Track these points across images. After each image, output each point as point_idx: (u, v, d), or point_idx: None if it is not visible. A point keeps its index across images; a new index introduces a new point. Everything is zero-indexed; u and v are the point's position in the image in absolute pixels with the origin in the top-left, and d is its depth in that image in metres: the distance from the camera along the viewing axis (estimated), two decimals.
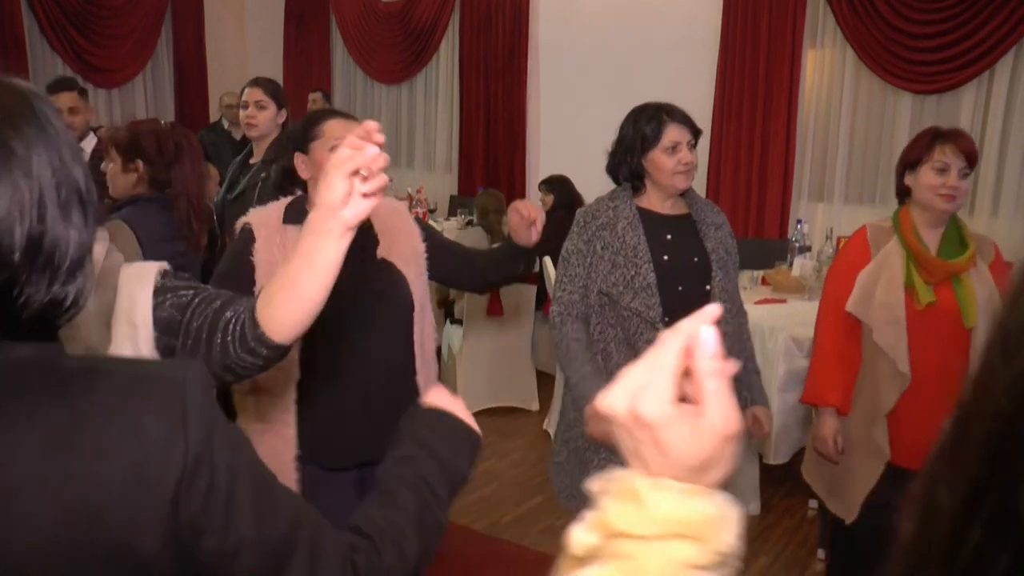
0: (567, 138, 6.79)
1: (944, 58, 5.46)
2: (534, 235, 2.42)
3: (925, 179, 2.48)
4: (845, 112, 5.95)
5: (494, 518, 3.90)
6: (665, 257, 2.48)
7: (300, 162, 2.30)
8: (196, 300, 1.38)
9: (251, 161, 3.67)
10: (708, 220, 2.59)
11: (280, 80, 8.66)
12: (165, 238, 2.57)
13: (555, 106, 7.07)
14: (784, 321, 3.98)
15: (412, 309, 2.34)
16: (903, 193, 2.58)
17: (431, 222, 6.21)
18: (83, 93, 4.33)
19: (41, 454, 0.82)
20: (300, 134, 2.32)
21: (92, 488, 0.82)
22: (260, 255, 2.18)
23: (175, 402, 0.87)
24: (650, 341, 2.45)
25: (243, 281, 2.12)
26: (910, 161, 2.52)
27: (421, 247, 2.40)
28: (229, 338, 1.31)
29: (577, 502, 2.61)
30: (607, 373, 2.47)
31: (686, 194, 2.60)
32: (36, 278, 0.84)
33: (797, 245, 5.00)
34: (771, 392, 3.91)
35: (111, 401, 0.86)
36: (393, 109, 8.30)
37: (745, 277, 4.69)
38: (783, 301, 4.41)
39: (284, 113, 3.66)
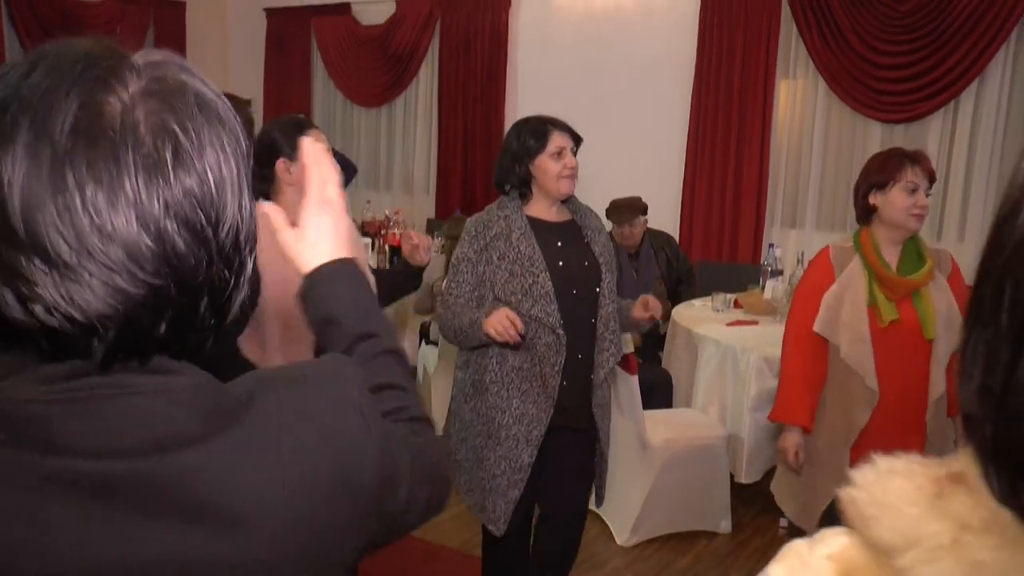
0: None
1: (911, 88, 5.60)
2: (426, 256, 2.68)
3: (897, 199, 2.57)
4: (817, 140, 6.07)
5: (469, 535, 3.92)
6: (560, 263, 2.63)
7: (284, 167, 2.35)
8: None
9: None
10: (591, 225, 2.75)
11: (261, 102, 8.74)
12: None
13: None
14: (756, 342, 4.06)
15: None
16: (868, 212, 2.66)
17: None
18: None
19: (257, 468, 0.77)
20: (288, 141, 2.37)
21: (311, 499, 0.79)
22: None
23: (349, 400, 0.84)
24: (548, 344, 2.61)
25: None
26: (879, 182, 2.61)
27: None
28: None
29: (476, 496, 2.72)
30: (503, 374, 2.62)
31: (568, 201, 2.75)
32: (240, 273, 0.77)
33: (769, 269, 5.10)
34: (743, 412, 3.98)
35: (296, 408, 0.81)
36: (373, 132, 8.36)
37: (719, 300, 4.77)
38: (755, 323, 4.49)
39: None
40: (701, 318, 4.54)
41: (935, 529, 0.52)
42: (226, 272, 0.74)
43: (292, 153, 2.31)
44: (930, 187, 2.60)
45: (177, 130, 0.70)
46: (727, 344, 4.10)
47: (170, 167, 0.69)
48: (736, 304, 4.85)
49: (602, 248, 2.72)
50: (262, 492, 0.75)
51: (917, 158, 2.62)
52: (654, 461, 3.78)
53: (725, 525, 4.03)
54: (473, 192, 7.61)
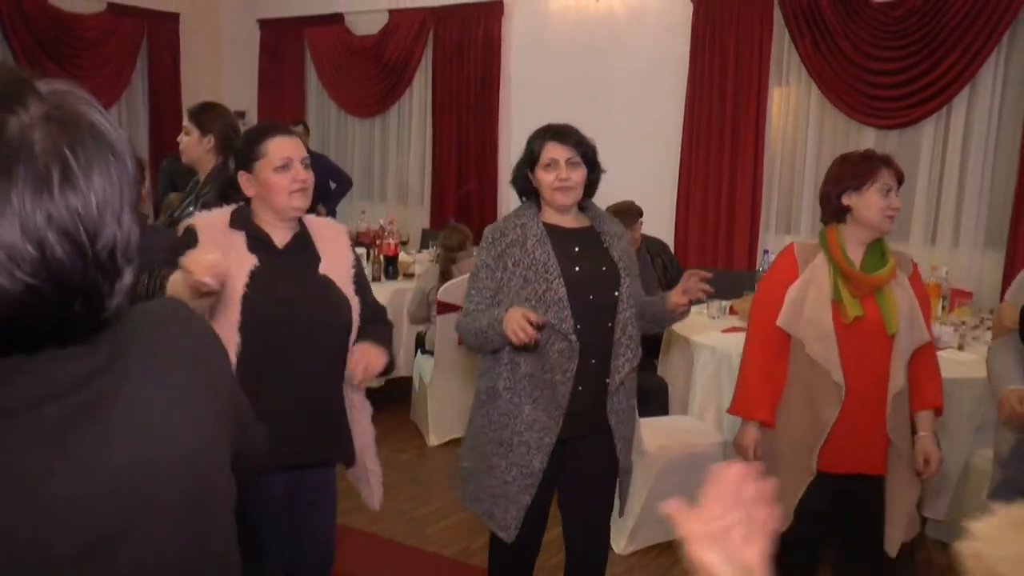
0: None
1: (904, 94, 5.62)
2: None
3: (873, 200, 2.62)
4: (810, 146, 6.09)
5: (465, 543, 3.91)
6: (576, 268, 2.60)
7: (244, 180, 2.35)
8: None
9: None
10: (610, 231, 2.71)
11: (255, 112, 8.74)
12: None
13: (526, 138, 7.12)
14: None
15: (350, 329, 2.41)
16: (842, 213, 2.67)
17: (403, 255, 6.28)
18: None
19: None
20: (243, 152, 2.36)
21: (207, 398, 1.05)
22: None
23: (208, 327, 1.14)
24: (561, 351, 2.58)
25: None
26: (855, 184, 2.63)
27: (352, 271, 2.49)
28: None
29: (484, 504, 2.69)
30: (515, 380, 2.60)
31: (587, 209, 2.74)
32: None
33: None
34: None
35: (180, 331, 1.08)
36: (367, 142, 8.37)
37: (714, 306, 4.77)
38: None
39: (211, 139, 3.45)
40: (696, 325, 4.53)
41: None
42: (101, 278, 0.86)
43: (249, 164, 2.33)
44: (898, 189, 2.66)
45: (68, 154, 0.81)
46: (723, 351, 4.09)
47: (56, 185, 0.80)
48: (731, 311, 4.85)
49: (621, 253, 2.68)
50: (160, 403, 0.97)
51: (888, 161, 2.67)
52: (650, 468, 3.77)
53: None
54: (467, 201, 7.61)
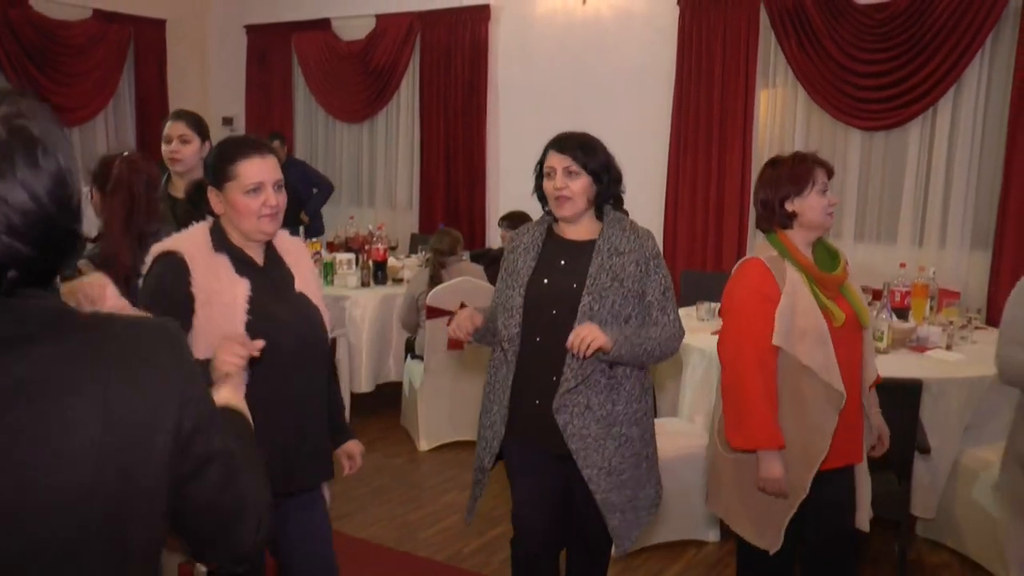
0: (526, 174, 6.80)
1: (890, 96, 5.65)
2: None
3: (815, 201, 2.62)
4: (798, 148, 6.04)
5: (456, 548, 3.91)
6: (545, 280, 2.60)
7: (213, 196, 2.25)
8: None
9: (172, 194, 3.48)
10: (610, 247, 2.59)
11: (243, 118, 8.73)
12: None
13: (514, 143, 7.15)
14: None
15: (327, 341, 2.40)
16: (786, 218, 2.64)
17: (392, 260, 6.27)
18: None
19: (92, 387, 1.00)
20: (214, 170, 2.25)
21: (132, 412, 1.02)
22: (200, 284, 2.14)
23: (175, 343, 1.11)
24: (500, 359, 2.60)
25: (181, 314, 2.08)
26: (795, 190, 2.61)
27: (320, 285, 2.49)
28: None
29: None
30: (496, 381, 2.70)
31: (604, 218, 2.66)
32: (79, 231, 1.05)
33: None
34: None
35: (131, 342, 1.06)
36: (355, 147, 8.36)
37: (703, 309, 4.78)
38: None
39: (208, 146, 3.50)
40: (686, 328, 4.52)
41: None
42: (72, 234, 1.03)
43: (219, 183, 2.23)
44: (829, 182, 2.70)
45: (40, 136, 0.98)
46: (712, 353, 4.08)
47: (40, 158, 0.97)
48: (721, 313, 4.85)
49: (600, 270, 2.54)
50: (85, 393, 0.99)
51: (818, 159, 2.67)
52: None
53: (713, 534, 4.03)
54: (456, 206, 7.61)
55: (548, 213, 2.70)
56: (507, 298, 2.60)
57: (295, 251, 2.43)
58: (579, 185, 2.56)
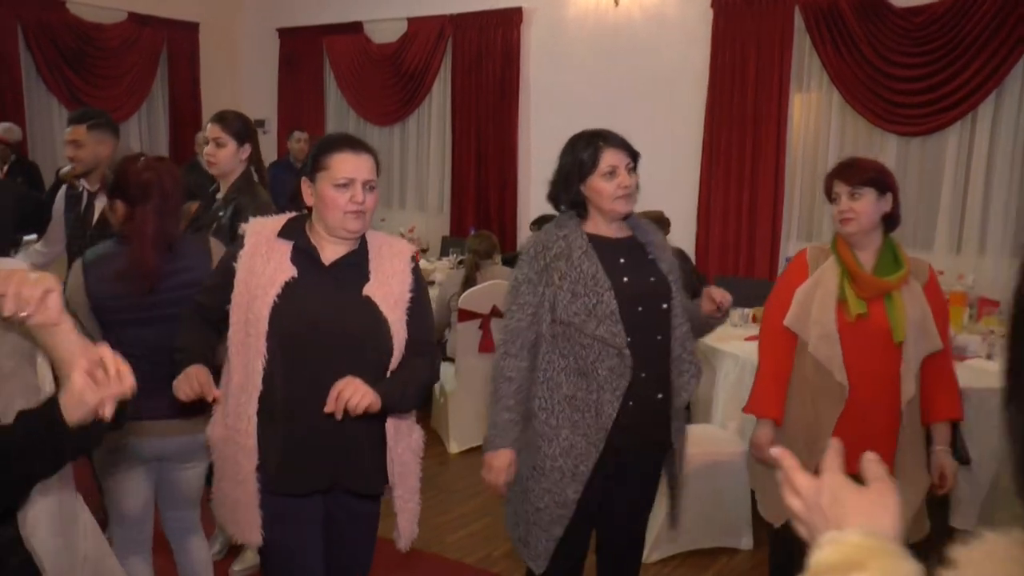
0: None
1: (927, 101, 5.57)
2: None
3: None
4: (832, 153, 6.03)
5: (486, 551, 3.89)
6: (625, 279, 2.48)
7: (305, 187, 2.28)
8: None
9: (218, 197, 3.51)
10: (655, 241, 2.60)
11: (275, 121, 8.78)
12: (107, 278, 2.54)
13: (546, 146, 7.06)
14: None
15: (390, 353, 2.26)
16: None
17: (424, 262, 6.26)
18: (98, 127, 3.78)
19: None
20: (311, 161, 2.29)
21: None
22: (242, 261, 2.23)
23: None
24: (611, 368, 2.41)
25: (224, 280, 2.26)
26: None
27: (407, 295, 2.33)
28: None
29: (520, 530, 2.59)
30: (555, 403, 2.47)
31: (627, 218, 2.60)
32: None
33: None
34: None
35: None
36: (386, 150, 8.36)
37: (736, 314, 4.74)
38: None
39: (248, 148, 3.46)
40: (719, 333, 4.46)
41: None
42: None
43: (312, 174, 2.27)
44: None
45: None
46: (745, 359, 4.05)
47: None
48: (754, 319, 4.81)
49: (670, 265, 2.57)
50: None
51: (835, 172, 2.80)
52: None
53: (746, 541, 3.98)
54: (487, 209, 7.60)
55: (565, 214, 2.59)
56: (593, 305, 2.42)
57: (387, 255, 2.35)
58: (634, 181, 2.52)
